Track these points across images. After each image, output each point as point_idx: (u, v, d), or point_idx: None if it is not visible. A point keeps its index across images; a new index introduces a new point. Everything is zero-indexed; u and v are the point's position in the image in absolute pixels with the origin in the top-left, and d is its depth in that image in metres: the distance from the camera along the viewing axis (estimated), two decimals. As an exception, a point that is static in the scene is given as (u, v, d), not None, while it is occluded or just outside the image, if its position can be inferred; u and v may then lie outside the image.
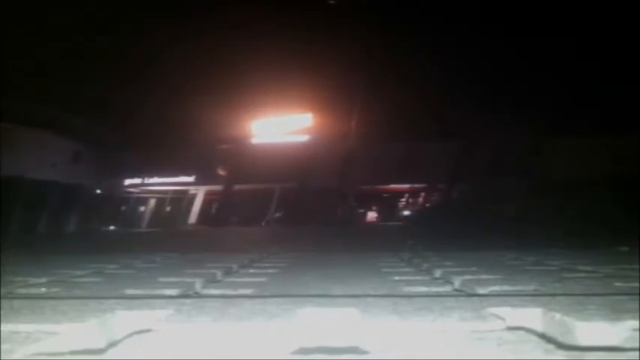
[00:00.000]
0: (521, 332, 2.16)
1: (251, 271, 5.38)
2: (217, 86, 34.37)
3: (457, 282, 3.96)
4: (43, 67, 28.02)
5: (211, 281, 4.35)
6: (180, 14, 31.54)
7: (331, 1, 35.08)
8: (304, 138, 43.06)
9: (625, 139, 32.52)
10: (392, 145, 38.10)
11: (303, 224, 33.95)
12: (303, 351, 1.98)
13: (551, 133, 33.98)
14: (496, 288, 3.57)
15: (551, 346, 1.93)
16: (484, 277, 4.23)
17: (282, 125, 43.61)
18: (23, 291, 3.87)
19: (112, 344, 2.09)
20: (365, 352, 1.96)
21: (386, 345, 2.06)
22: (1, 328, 2.25)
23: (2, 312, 2.57)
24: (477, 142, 35.74)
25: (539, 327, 2.32)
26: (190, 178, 44.41)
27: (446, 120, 35.77)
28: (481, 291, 3.50)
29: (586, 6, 30.63)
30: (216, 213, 43.77)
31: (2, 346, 1.96)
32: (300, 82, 35.53)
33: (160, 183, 45.51)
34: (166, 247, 11.05)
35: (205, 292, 3.82)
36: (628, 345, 2.01)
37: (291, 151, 40.71)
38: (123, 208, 46.21)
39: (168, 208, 47.85)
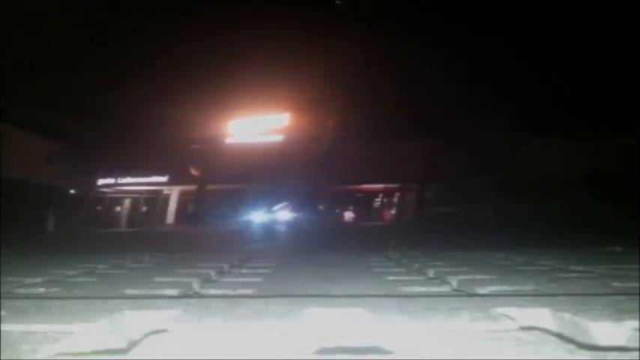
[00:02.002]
0: (537, 332, 2.17)
1: (243, 271, 5.38)
2: (193, 86, 34.15)
3: (454, 282, 3.98)
4: (16, 65, 27.69)
5: (207, 281, 4.34)
6: (156, 13, 31.30)
7: (337, 1, 34.94)
8: (280, 138, 42.81)
9: (605, 139, 32.77)
10: (367, 145, 37.92)
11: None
12: (327, 351, 1.98)
13: (527, 133, 34.09)
14: (495, 288, 3.58)
15: (572, 346, 1.94)
16: (479, 277, 4.25)
17: (258, 125, 43.32)
18: (23, 291, 3.84)
19: (133, 344, 2.09)
20: (389, 352, 1.96)
21: (405, 345, 2.05)
22: (14, 329, 2.24)
23: (9, 312, 2.55)
24: (452, 141, 35.69)
25: (553, 327, 2.32)
26: (164, 178, 44.07)
27: (423, 119, 35.72)
28: (481, 291, 3.52)
29: (566, 6, 30.86)
30: (194, 213, 43.53)
31: (21, 346, 1.95)
32: (278, 82, 35.36)
33: (133, 183, 45.15)
34: (150, 247, 10.98)
35: (205, 292, 3.82)
36: (631, 345, 2.02)
37: (267, 151, 40.48)
38: (99, 208, 45.82)
39: (144, 208, 47.58)
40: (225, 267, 5.51)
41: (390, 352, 1.96)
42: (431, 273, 4.74)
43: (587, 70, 30.76)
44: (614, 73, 30.42)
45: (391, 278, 4.43)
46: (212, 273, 4.76)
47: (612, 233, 11.70)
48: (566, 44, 31.12)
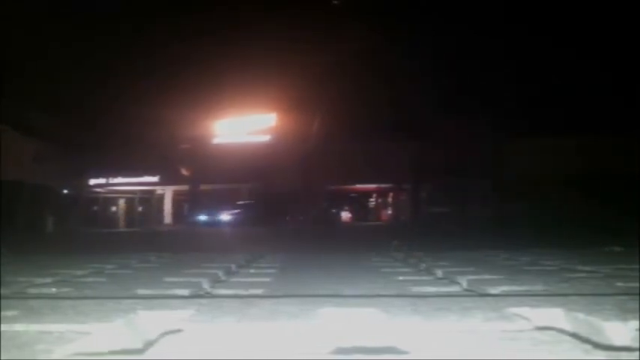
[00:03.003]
0: (553, 332, 2.17)
1: (251, 271, 5.40)
2: (181, 86, 33.99)
3: (464, 282, 3.99)
4: (7, 66, 27.54)
5: (217, 281, 4.35)
6: (144, 14, 31.21)
7: (335, 2, 34.84)
8: (268, 138, 42.56)
9: (596, 139, 32.81)
10: (358, 145, 37.70)
11: (279, 224, 33.94)
12: (342, 351, 1.98)
13: (517, 133, 34.04)
14: (505, 288, 3.60)
15: (588, 346, 1.95)
16: (487, 277, 4.26)
17: (246, 125, 43.03)
18: (34, 291, 3.85)
19: (149, 344, 2.09)
20: (404, 352, 1.96)
21: (420, 345, 2.06)
22: (30, 329, 2.25)
23: (23, 312, 2.56)
24: (440, 141, 35.49)
25: (567, 327, 2.33)
26: (155, 178, 43.77)
27: (412, 119, 35.52)
28: (492, 291, 3.53)
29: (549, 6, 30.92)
30: (191, 213, 43.38)
31: (37, 346, 1.95)
32: (266, 82, 35.10)
33: (125, 183, 44.90)
34: (153, 247, 10.95)
35: (216, 292, 3.83)
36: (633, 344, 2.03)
37: (257, 151, 40.24)
38: (95, 208, 45.59)
39: (140, 208, 47.49)
40: (233, 267, 5.52)
41: (405, 352, 1.96)
42: (439, 273, 4.75)
43: (581, 70, 30.80)
44: (608, 74, 30.49)
45: (400, 278, 4.44)
46: (220, 273, 4.77)
47: (609, 233, 11.75)
48: (563, 45, 31.15)
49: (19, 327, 2.28)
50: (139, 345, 2.12)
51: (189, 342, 2.15)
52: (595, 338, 2.11)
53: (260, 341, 2.15)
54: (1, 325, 2.29)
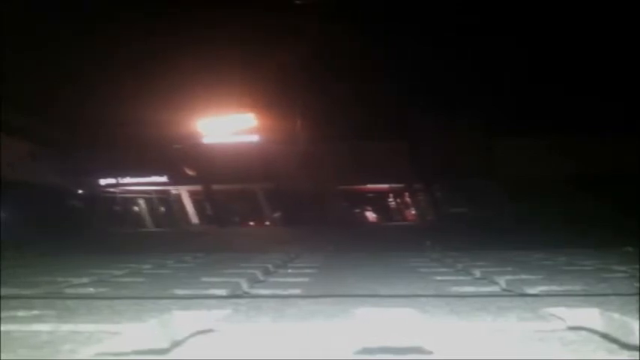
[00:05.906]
0: (583, 332, 2.16)
1: (289, 271, 5.43)
2: (164, 85, 33.91)
3: (502, 282, 3.98)
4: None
5: (255, 281, 4.38)
6: (127, 13, 31.26)
7: (297, 1, 34.61)
8: (265, 138, 42.21)
9: (602, 139, 32.65)
10: (362, 145, 37.45)
11: (304, 224, 33.89)
12: (368, 351, 1.98)
13: (525, 133, 33.83)
14: (544, 288, 3.58)
15: (614, 346, 1.93)
16: (525, 277, 4.24)
17: (231, 124, 42.60)
18: (71, 291, 3.90)
19: (176, 344, 2.10)
20: (429, 352, 1.98)
21: (451, 345, 2.08)
22: (61, 329, 2.27)
23: (59, 312, 2.59)
24: (447, 142, 35.20)
25: (599, 327, 2.33)
26: (163, 178, 43.47)
27: (416, 120, 35.29)
28: (531, 291, 3.52)
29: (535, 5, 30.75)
30: (219, 213, 43.24)
31: (63, 346, 1.96)
32: (254, 82, 34.81)
33: (136, 183, 44.71)
34: (187, 247, 11.01)
35: (255, 292, 3.86)
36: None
37: (259, 151, 40.00)
38: (117, 208, 45.38)
39: (162, 209, 47.32)
40: (270, 267, 5.55)
41: (429, 352, 1.98)
42: (477, 273, 4.75)
43: (582, 70, 30.66)
44: (604, 74, 30.37)
45: (438, 278, 4.43)
46: (258, 273, 4.79)
47: (620, 233, 11.73)
48: (562, 44, 31.01)
49: (49, 327, 2.30)
50: (166, 345, 2.14)
51: (219, 342, 2.16)
52: (625, 339, 2.11)
53: (292, 341, 2.16)
54: (33, 325, 2.33)
